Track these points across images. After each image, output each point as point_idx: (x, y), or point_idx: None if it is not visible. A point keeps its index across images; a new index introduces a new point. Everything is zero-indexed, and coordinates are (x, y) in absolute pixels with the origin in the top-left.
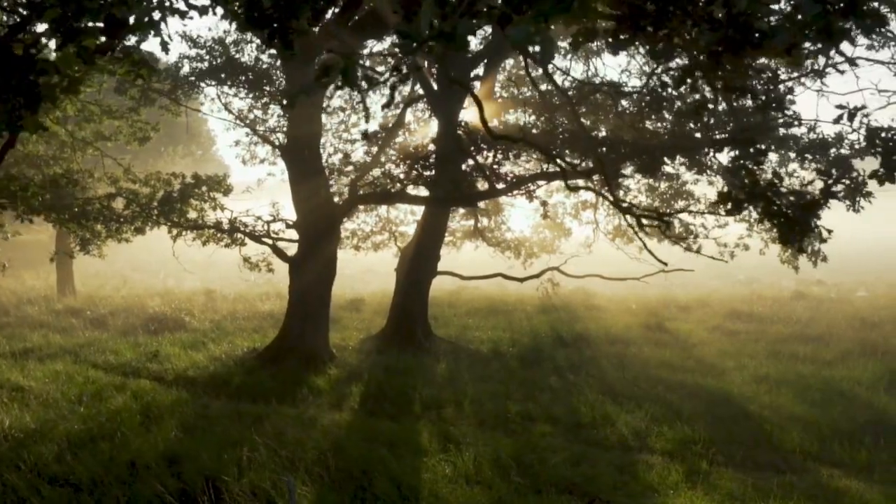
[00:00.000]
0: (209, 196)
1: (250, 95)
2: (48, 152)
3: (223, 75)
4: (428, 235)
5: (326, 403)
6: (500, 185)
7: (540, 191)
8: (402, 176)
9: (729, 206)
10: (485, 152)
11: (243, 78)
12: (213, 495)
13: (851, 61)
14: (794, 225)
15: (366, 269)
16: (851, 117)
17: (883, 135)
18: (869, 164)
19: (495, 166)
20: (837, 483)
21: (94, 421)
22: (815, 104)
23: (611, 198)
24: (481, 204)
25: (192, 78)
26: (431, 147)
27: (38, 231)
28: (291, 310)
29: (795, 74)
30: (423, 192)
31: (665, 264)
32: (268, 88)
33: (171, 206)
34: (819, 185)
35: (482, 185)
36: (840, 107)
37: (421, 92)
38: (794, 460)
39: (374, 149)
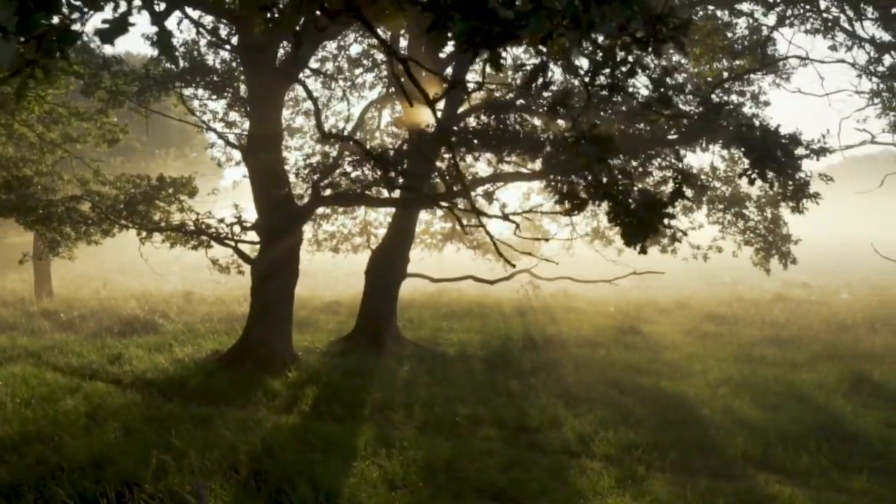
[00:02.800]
0: (176, 198)
1: (214, 97)
2: (17, 154)
3: (189, 77)
4: (397, 237)
5: (278, 406)
6: (457, 187)
7: (516, 195)
8: (361, 177)
9: (568, 204)
10: (443, 153)
11: (208, 80)
12: (127, 499)
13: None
14: (640, 225)
15: (350, 271)
16: (717, 110)
17: (757, 134)
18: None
19: (452, 167)
20: (770, 489)
21: (36, 424)
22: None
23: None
24: (461, 205)
25: (158, 80)
26: (391, 147)
27: (22, 233)
28: (253, 312)
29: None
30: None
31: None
32: (230, 90)
33: (134, 208)
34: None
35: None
36: (706, 102)
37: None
38: (735, 465)
39: (334, 149)
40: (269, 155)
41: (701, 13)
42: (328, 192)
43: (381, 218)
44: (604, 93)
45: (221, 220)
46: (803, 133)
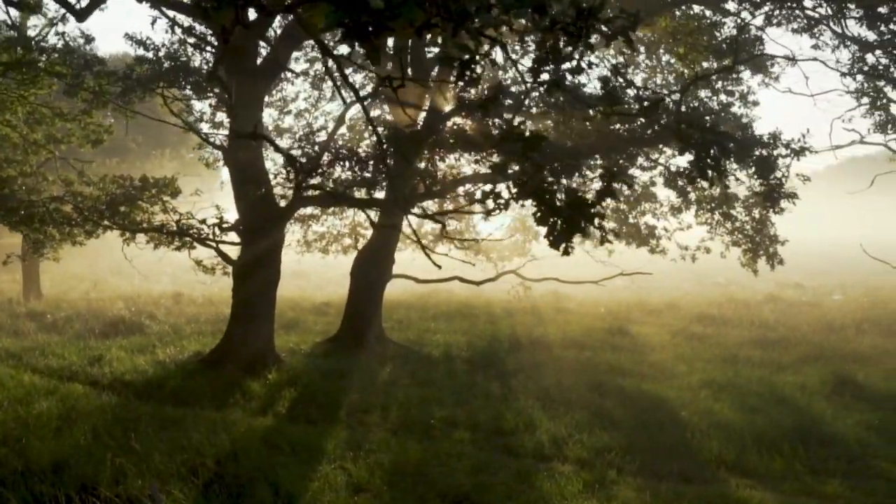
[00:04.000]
0: (159, 198)
1: (196, 98)
2: (0, 155)
3: (171, 77)
4: (382, 238)
5: (254, 408)
6: (436, 188)
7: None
8: (341, 177)
9: (492, 202)
10: (423, 154)
11: (191, 80)
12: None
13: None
14: (566, 225)
15: (344, 272)
16: (653, 108)
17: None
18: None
19: (431, 168)
20: (741, 493)
21: (5, 426)
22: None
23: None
24: (448, 206)
25: (141, 81)
26: (371, 148)
27: (15, 234)
28: (234, 313)
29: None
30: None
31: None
32: (213, 91)
33: (115, 208)
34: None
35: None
36: (641, 98)
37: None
38: (708, 469)
39: (314, 149)
40: (248, 155)
41: (688, 12)
42: (310, 192)
43: (372, 219)
44: (553, 90)
45: (203, 221)
46: (783, 132)
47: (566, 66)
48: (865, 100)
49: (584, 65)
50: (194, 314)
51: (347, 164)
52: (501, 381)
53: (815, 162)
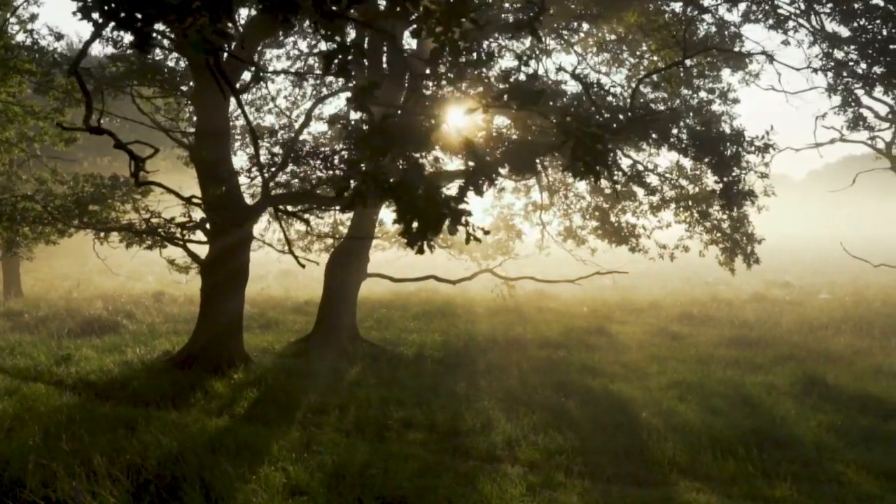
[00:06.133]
0: (130, 197)
1: (164, 97)
2: None
3: (140, 76)
4: (356, 237)
5: (214, 408)
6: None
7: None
8: (308, 175)
9: (346, 198)
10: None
11: (159, 79)
12: None
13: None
14: (423, 223)
15: None
16: (534, 100)
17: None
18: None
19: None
20: (687, 497)
21: None
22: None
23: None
24: None
25: (108, 80)
26: (335, 145)
27: None
28: (202, 312)
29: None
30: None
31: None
32: (183, 89)
33: (84, 207)
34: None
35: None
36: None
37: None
38: (660, 472)
39: (279, 148)
40: (213, 154)
41: (661, 7)
42: (278, 191)
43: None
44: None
45: (172, 220)
46: (747, 129)
47: (468, 58)
48: (836, 97)
49: (483, 56)
50: (173, 313)
51: (312, 162)
52: (469, 381)
53: (814, 163)
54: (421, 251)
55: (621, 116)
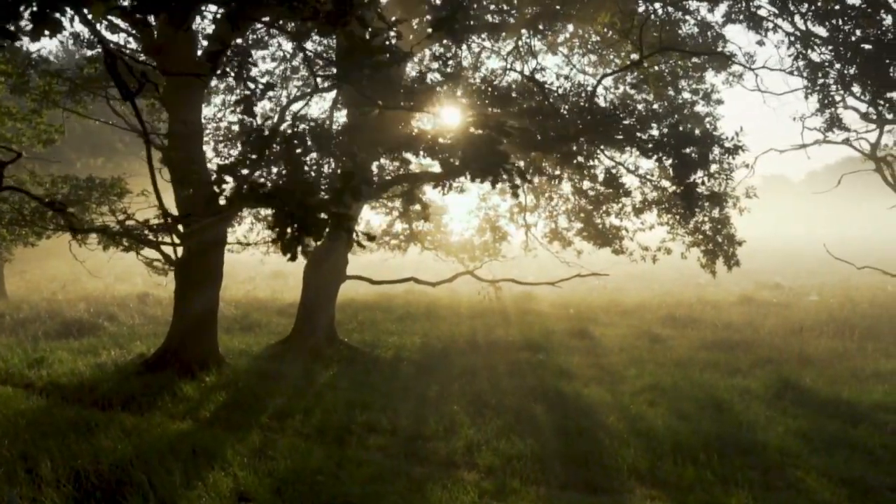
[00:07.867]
0: (106, 199)
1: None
2: None
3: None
4: (334, 239)
5: (180, 412)
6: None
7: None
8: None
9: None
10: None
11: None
12: None
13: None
14: (300, 229)
15: None
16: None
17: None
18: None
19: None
20: None
21: None
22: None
23: None
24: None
25: (79, 83)
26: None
27: None
28: (176, 315)
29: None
30: None
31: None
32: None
33: (58, 209)
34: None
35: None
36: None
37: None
38: (618, 479)
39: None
40: (184, 155)
41: (635, 8)
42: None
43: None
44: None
45: (145, 222)
46: (720, 131)
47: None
48: (813, 99)
49: (395, 59)
50: (156, 315)
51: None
52: (442, 384)
53: (815, 162)
54: (294, 258)
55: (579, 121)
